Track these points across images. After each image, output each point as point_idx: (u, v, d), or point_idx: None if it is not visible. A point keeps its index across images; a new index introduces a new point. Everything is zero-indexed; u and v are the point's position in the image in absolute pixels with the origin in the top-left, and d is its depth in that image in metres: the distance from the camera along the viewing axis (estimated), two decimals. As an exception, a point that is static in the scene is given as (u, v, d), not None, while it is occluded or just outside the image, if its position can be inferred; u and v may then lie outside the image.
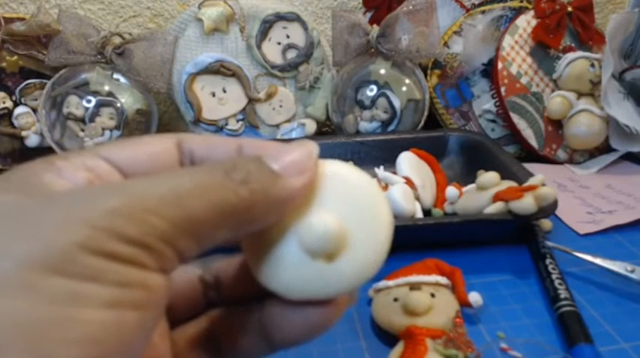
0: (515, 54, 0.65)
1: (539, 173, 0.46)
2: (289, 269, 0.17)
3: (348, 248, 0.17)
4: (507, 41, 0.65)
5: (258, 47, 0.64)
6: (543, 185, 0.44)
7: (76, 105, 0.60)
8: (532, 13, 0.66)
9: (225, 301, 0.21)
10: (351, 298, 0.19)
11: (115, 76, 0.61)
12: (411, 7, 0.61)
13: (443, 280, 0.37)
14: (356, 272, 0.17)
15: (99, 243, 0.12)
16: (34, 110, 0.61)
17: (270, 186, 0.16)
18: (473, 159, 0.58)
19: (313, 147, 0.17)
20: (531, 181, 0.45)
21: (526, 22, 0.66)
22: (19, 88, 0.60)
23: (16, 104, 0.61)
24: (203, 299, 0.20)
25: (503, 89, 0.64)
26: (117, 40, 0.60)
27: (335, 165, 0.18)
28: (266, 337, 0.19)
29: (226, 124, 0.65)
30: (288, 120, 0.67)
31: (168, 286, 0.14)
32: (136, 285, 0.13)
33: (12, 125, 0.60)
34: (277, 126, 0.67)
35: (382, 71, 0.64)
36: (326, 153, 0.60)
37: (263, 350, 0.19)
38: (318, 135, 0.68)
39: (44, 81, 0.60)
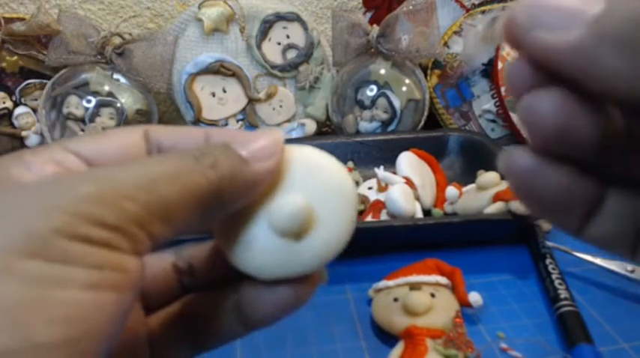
0: (516, 54, 0.65)
1: (539, 173, 0.46)
2: (260, 250, 0.18)
3: (316, 226, 0.18)
4: (507, 41, 0.65)
5: (258, 47, 0.64)
6: (543, 185, 0.44)
7: (76, 105, 0.60)
8: (532, 13, 0.66)
9: (199, 286, 0.21)
10: (321, 276, 0.19)
11: (115, 76, 0.61)
12: (411, 7, 0.61)
13: (443, 280, 0.37)
14: (324, 249, 0.18)
15: (75, 228, 0.13)
16: (34, 110, 0.61)
17: (238, 169, 0.16)
18: (473, 159, 0.58)
19: (279, 133, 0.18)
20: (531, 181, 0.45)
21: (526, 22, 0.66)
22: (19, 88, 0.60)
23: (16, 104, 0.61)
24: (177, 285, 0.21)
25: (503, 89, 0.64)
26: (117, 40, 0.60)
27: (301, 150, 0.19)
28: (241, 318, 0.19)
29: (226, 124, 0.65)
30: (288, 120, 0.67)
31: (142, 268, 0.15)
32: (112, 267, 0.14)
33: (12, 125, 0.60)
34: (277, 126, 0.67)
35: (382, 71, 0.64)
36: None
37: (238, 332, 0.20)
38: (318, 135, 0.68)
39: (44, 81, 0.60)
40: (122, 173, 0.15)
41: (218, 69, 0.63)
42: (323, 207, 0.18)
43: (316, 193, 0.18)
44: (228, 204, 0.16)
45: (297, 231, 0.18)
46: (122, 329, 0.14)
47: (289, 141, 0.64)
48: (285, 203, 0.17)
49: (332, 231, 0.18)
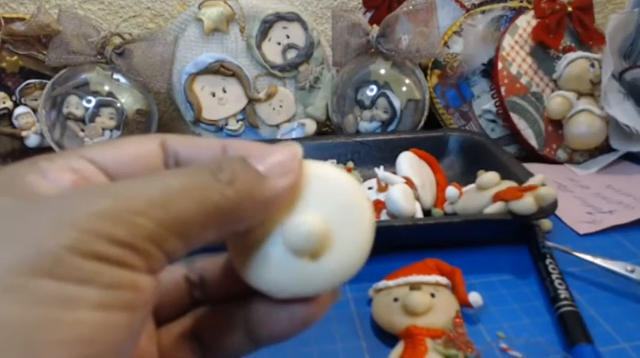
0: (515, 54, 0.65)
1: (539, 173, 0.46)
2: (274, 268, 0.17)
3: (332, 247, 0.17)
4: (507, 41, 0.65)
5: (258, 47, 0.64)
6: (543, 185, 0.44)
7: (76, 105, 0.60)
8: (532, 13, 0.66)
9: (210, 299, 0.21)
10: (334, 295, 0.19)
11: (115, 76, 0.61)
12: (411, 7, 0.61)
13: (443, 280, 0.37)
14: (339, 270, 0.18)
15: (88, 246, 0.13)
16: (34, 110, 0.61)
17: (256, 186, 0.16)
18: (473, 159, 0.58)
19: (297, 148, 0.17)
20: (531, 181, 0.45)
21: (526, 22, 0.66)
22: (19, 88, 0.60)
23: (16, 104, 0.61)
24: (188, 298, 0.21)
25: (503, 89, 0.64)
26: (117, 40, 0.60)
27: (319, 166, 0.18)
28: (251, 334, 0.19)
29: (226, 124, 0.65)
30: (288, 120, 0.67)
31: (157, 286, 0.15)
32: (125, 286, 0.13)
33: (12, 125, 0.60)
34: (277, 126, 0.67)
35: (382, 71, 0.64)
36: (326, 153, 0.60)
37: (247, 348, 0.19)
38: (318, 135, 0.68)
39: (44, 81, 0.60)
40: (137, 189, 0.14)
41: (218, 69, 0.63)
42: (340, 227, 0.17)
43: (333, 213, 0.17)
44: (245, 221, 0.16)
45: (312, 252, 0.17)
46: (135, 347, 0.14)
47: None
48: (302, 223, 0.17)
49: (348, 252, 0.18)
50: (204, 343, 0.20)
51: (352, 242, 0.18)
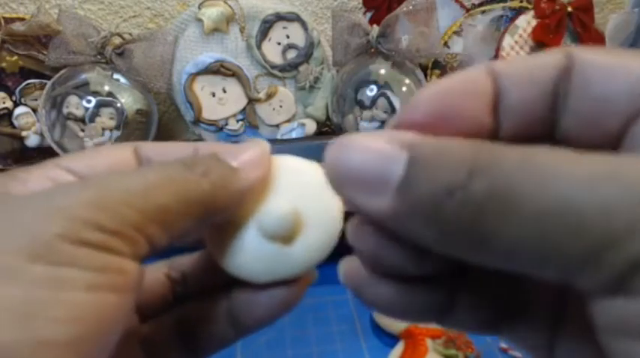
0: (515, 54, 0.65)
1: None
2: (251, 255, 0.19)
3: (304, 231, 0.19)
4: (507, 41, 0.65)
5: (258, 47, 0.64)
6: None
7: (76, 105, 0.60)
8: (532, 13, 0.66)
9: (192, 294, 0.22)
10: (309, 277, 0.20)
11: (115, 76, 0.61)
12: (411, 7, 0.61)
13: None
14: (312, 252, 0.19)
15: (77, 233, 0.14)
16: (34, 110, 0.61)
17: (229, 178, 0.17)
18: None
19: (265, 144, 0.19)
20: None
21: (526, 22, 0.66)
22: (19, 88, 0.60)
23: (16, 104, 0.61)
24: (171, 295, 0.22)
25: (503, 89, 0.64)
26: (117, 40, 0.60)
27: (286, 159, 0.20)
28: (234, 322, 0.20)
29: (226, 124, 0.65)
30: (288, 120, 0.67)
31: (141, 271, 0.16)
32: (112, 270, 0.14)
33: (12, 125, 0.60)
34: (277, 126, 0.67)
35: (382, 71, 0.64)
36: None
37: (232, 336, 0.20)
38: (318, 135, 0.68)
39: (44, 81, 0.60)
40: (121, 181, 0.15)
41: (218, 69, 0.63)
42: (310, 214, 0.19)
43: (302, 198, 0.19)
44: (220, 212, 0.17)
45: (285, 235, 0.18)
46: (122, 331, 0.15)
47: (289, 141, 0.64)
48: (273, 208, 0.18)
49: (319, 234, 0.19)
50: (189, 336, 0.21)
51: (322, 227, 0.19)
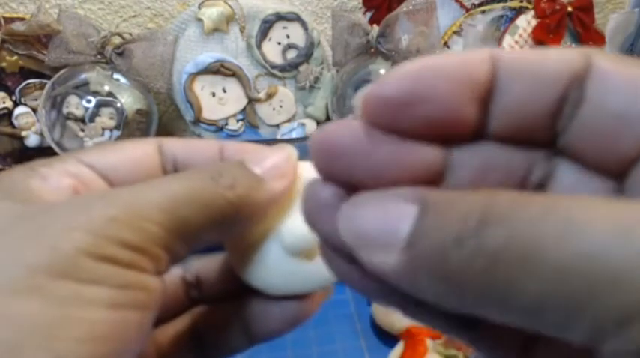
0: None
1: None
2: (270, 267, 0.18)
3: None
4: (507, 41, 0.65)
5: (258, 47, 0.64)
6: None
7: (76, 105, 0.60)
8: (532, 13, 0.66)
9: (206, 299, 0.21)
10: (325, 292, 0.20)
11: (115, 76, 0.61)
12: (411, 7, 0.61)
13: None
14: None
15: (100, 249, 0.13)
16: (34, 110, 0.61)
17: (255, 190, 0.17)
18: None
19: (292, 150, 0.18)
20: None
21: (526, 22, 0.66)
22: (19, 88, 0.60)
23: (16, 104, 0.61)
24: (185, 298, 0.21)
25: (503, 89, 0.64)
26: (117, 40, 0.60)
27: (311, 167, 0.18)
28: (246, 331, 0.20)
29: (226, 124, 0.65)
30: (288, 120, 0.67)
31: (164, 287, 0.15)
32: (135, 287, 0.14)
33: (12, 125, 0.60)
34: (277, 126, 0.67)
35: (382, 71, 0.64)
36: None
37: (244, 344, 0.20)
38: (318, 135, 0.68)
39: (44, 81, 0.60)
40: (144, 195, 0.15)
41: (218, 69, 0.63)
42: None
43: None
44: (243, 223, 0.17)
45: (306, 252, 0.18)
46: (143, 346, 0.15)
47: (290, 141, 0.64)
48: (296, 224, 0.18)
49: None
50: (201, 341, 0.20)
51: None
